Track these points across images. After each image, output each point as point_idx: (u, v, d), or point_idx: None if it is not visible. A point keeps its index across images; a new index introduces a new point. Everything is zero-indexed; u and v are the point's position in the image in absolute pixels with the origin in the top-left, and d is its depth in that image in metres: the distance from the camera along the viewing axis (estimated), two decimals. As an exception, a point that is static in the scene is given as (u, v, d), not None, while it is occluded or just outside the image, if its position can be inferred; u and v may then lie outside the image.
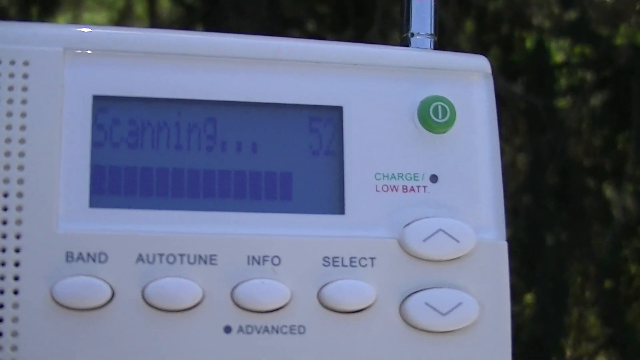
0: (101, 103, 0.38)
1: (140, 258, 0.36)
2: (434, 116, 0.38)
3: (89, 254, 0.36)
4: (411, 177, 0.38)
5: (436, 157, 0.38)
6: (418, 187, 0.38)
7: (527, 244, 2.33)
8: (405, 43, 0.42)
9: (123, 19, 2.32)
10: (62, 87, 0.38)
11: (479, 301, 0.37)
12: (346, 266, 0.36)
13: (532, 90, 2.26)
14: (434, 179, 0.38)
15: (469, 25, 2.39)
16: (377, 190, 0.37)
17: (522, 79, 2.35)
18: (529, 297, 2.27)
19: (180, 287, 0.36)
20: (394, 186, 0.37)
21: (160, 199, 0.38)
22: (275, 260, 0.36)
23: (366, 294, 0.36)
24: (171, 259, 0.36)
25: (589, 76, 2.37)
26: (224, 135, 0.38)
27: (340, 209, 0.37)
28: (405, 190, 0.38)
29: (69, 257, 0.36)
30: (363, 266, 0.36)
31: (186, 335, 0.36)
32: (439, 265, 0.37)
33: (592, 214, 2.31)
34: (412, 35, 0.41)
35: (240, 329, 0.36)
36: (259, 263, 0.36)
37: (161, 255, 0.36)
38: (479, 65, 0.39)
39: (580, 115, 2.35)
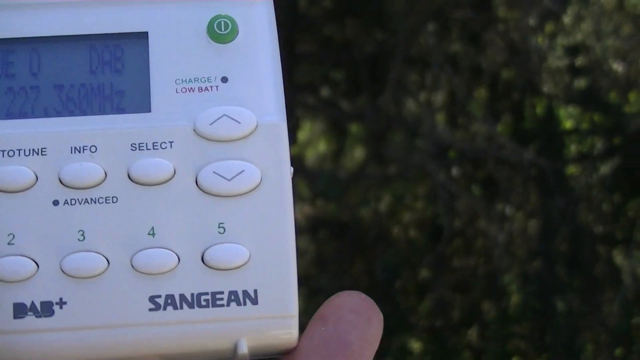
0: None
1: None
2: (218, 29, 0.45)
3: None
4: (205, 80, 0.45)
5: (225, 63, 0.45)
6: (211, 87, 0.45)
7: (538, 310, 2.33)
8: None
9: None
10: None
11: (261, 169, 0.43)
12: (150, 149, 0.43)
13: (543, 156, 2.29)
14: (224, 80, 0.45)
15: (481, 93, 2.45)
16: (177, 92, 0.45)
17: (533, 145, 2.37)
18: (538, 363, 2.27)
19: (16, 173, 0.43)
20: (191, 88, 0.45)
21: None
22: (93, 149, 0.43)
23: (166, 168, 0.43)
24: (11, 153, 0.43)
25: (599, 143, 2.39)
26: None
27: (147, 108, 0.44)
28: (200, 90, 0.45)
29: None
30: (164, 148, 0.43)
31: (23, 209, 0.43)
32: (225, 144, 0.44)
33: (603, 281, 2.31)
34: None
35: (66, 202, 0.43)
36: (79, 151, 0.43)
37: (3, 151, 0.43)
38: None
39: (590, 182, 2.36)
